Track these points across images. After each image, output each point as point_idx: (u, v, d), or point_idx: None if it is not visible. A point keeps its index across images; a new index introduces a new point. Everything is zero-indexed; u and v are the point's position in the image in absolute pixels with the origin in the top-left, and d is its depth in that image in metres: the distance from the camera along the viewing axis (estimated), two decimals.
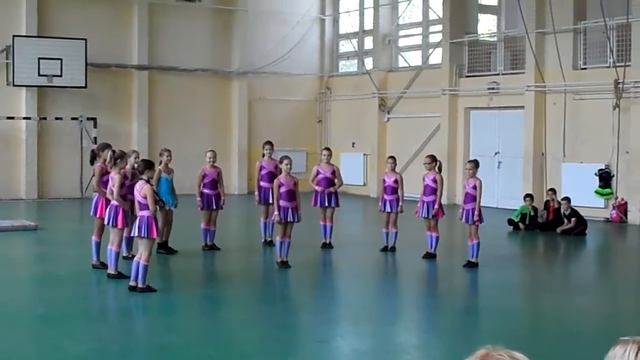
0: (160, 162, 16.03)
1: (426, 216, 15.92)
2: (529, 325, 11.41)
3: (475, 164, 15.40)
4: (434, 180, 15.85)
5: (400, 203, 16.59)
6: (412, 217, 16.65)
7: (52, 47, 27.35)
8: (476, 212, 14.94)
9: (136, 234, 12.41)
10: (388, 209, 16.68)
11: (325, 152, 17.49)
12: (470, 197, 15.07)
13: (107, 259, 13.61)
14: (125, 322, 11.28)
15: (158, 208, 12.74)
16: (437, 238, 16.02)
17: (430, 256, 15.98)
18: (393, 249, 16.75)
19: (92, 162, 14.73)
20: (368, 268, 15.76)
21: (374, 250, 16.88)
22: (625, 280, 15.27)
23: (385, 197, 16.75)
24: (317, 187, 16.96)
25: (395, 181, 16.65)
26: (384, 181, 16.89)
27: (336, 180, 17.10)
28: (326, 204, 17.03)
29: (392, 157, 17.21)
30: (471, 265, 15.06)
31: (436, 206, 15.77)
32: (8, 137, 27.44)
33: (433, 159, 16.14)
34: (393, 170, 16.88)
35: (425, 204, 15.91)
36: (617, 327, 10.98)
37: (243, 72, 31.16)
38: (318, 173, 17.11)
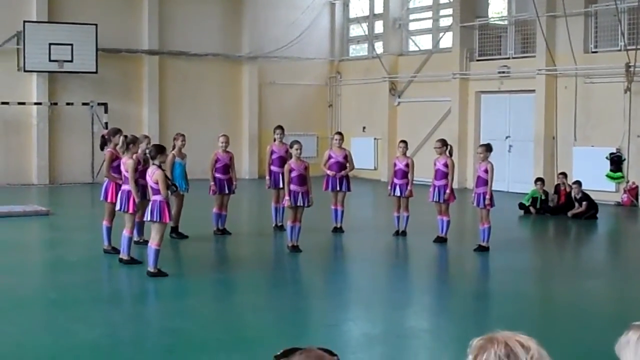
0: (174, 147, 16.09)
1: (437, 200, 15.94)
2: (541, 309, 11.42)
3: (487, 147, 15.39)
4: (445, 165, 15.85)
5: (409, 187, 16.60)
6: (423, 201, 16.65)
7: (63, 32, 27.37)
8: (487, 196, 14.94)
9: (148, 219, 12.46)
10: (398, 193, 16.69)
11: (337, 136, 17.51)
12: (482, 181, 15.07)
13: (119, 244, 13.67)
14: (136, 307, 11.33)
15: (170, 192, 12.78)
16: (448, 222, 16.03)
17: (441, 240, 15.99)
18: (404, 233, 16.77)
19: (102, 147, 14.74)
20: (379, 252, 15.79)
21: (385, 234, 16.92)
22: (637, 264, 15.25)
23: (396, 181, 16.75)
24: (329, 172, 16.99)
25: (407, 165, 16.66)
26: (395, 165, 16.89)
27: (348, 165, 17.12)
28: (337, 188, 17.06)
29: (404, 141, 17.21)
30: (482, 250, 15.07)
31: (448, 190, 15.77)
32: (19, 123, 27.51)
33: (444, 143, 16.14)
34: (404, 154, 16.89)
35: (436, 188, 15.91)
36: (629, 312, 10.97)
37: (253, 57, 31.15)
38: (330, 157, 17.15)
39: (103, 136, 14.99)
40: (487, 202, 14.94)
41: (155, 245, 12.39)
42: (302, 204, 14.60)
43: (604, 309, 11.41)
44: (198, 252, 15.40)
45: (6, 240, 16.38)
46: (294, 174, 14.52)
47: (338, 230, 17.19)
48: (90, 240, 15.71)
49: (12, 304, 11.04)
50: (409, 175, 16.62)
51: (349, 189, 17.26)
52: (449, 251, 15.67)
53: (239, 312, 10.99)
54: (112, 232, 14.24)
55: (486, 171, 15.00)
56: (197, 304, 11.34)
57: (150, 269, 12.44)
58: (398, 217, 16.86)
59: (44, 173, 27.76)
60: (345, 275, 13.77)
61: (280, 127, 17.51)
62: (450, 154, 16.09)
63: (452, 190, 15.91)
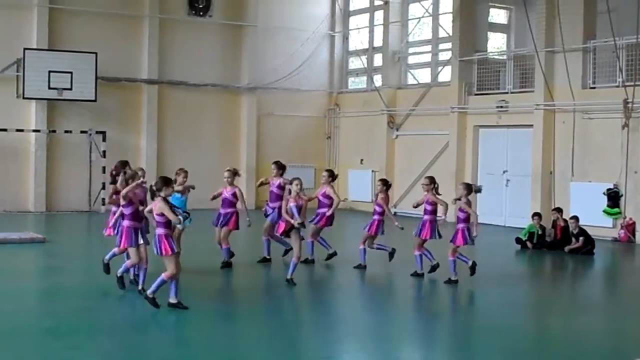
0: (175, 181, 16.00)
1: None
2: (536, 344, 11.36)
3: (466, 186, 15.47)
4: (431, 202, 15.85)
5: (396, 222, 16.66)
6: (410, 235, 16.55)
7: (63, 60, 27.46)
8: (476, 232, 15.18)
9: (155, 252, 12.40)
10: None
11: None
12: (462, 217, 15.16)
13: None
14: (132, 336, 11.25)
15: (182, 220, 12.64)
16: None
17: (432, 270, 15.94)
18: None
19: (113, 181, 14.74)
20: (374, 285, 15.74)
21: (380, 267, 16.85)
22: (633, 299, 15.21)
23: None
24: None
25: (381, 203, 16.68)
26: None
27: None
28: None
29: (381, 180, 17.19)
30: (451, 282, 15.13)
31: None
32: (17, 150, 27.52)
33: (432, 180, 16.10)
34: (381, 192, 16.79)
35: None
36: (626, 348, 10.94)
37: (252, 88, 31.23)
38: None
39: (112, 173, 15.02)
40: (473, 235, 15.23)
41: (165, 276, 12.33)
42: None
43: (601, 345, 11.36)
44: (195, 282, 15.33)
45: (1, 267, 16.34)
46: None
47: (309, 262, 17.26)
48: (86, 268, 15.67)
49: (7, 331, 10.97)
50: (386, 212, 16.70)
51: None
52: (442, 285, 15.56)
53: (234, 344, 10.93)
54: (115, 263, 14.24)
55: (462, 210, 15.09)
56: (193, 334, 11.28)
57: (148, 293, 12.41)
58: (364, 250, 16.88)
59: (41, 200, 27.74)
60: (339, 308, 13.70)
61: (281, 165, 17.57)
62: (436, 191, 16.01)
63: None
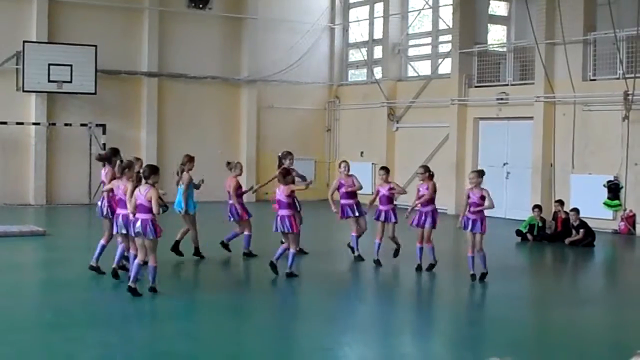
0: (189, 169, 16.11)
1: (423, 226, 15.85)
2: (537, 336, 11.36)
3: (479, 173, 15.31)
4: (430, 190, 15.78)
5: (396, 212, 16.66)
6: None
7: (63, 53, 27.43)
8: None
9: (143, 237, 12.45)
10: (382, 218, 16.63)
11: (343, 164, 17.63)
12: (476, 207, 14.98)
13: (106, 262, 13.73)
14: (132, 328, 11.26)
15: (162, 211, 12.87)
16: (432, 248, 15.88)
17: (431, 267, 15.88)
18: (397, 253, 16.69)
19: (103, 161, 14.73)
20: (376, 278, 15.73)
21: (384, 261, 16.82)
22: (634, 292, 15.21)
23: (381, 207, 16.69)
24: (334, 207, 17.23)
25: (390, 189, 16.62)
26: (378, 192, 16.81)
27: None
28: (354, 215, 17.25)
29: (384, 168, 17.17)
30: (482, 277, 14.95)
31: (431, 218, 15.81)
32: (17, 143, 27.51)
33: (427, 169, 16.10)
34: (386, 181, 16.79)
35: (423, 214, 15.83)
36: (626, 340, 10.94)
37: (252, 80, 31.21)
38: (341, 185, 17.27)
39: (101, 155, 14.96)
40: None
41: (154, 262, 12.48)
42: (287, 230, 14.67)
43: (601, 337, 11.37)
44: (194, 273, 15.35)
45: (2, 260, 16.33)
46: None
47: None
48: (86, 260, 15.63)
49: (7, 324, 10.98)
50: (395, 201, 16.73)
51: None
52: (442, 278, 15.57)
53: (235, 335, 10.93)
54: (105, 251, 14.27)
55: (482, 198, 14.93)
56: (193, 327, 11.29)
57: (151, 283, 12.52)
58: (379, 244, 16.74)
59: (41, 193, 27.74)
60: (341, 300, 13.70)
61: (290, 153, 17.46)
62: (431, 179, 16.00)
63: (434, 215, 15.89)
